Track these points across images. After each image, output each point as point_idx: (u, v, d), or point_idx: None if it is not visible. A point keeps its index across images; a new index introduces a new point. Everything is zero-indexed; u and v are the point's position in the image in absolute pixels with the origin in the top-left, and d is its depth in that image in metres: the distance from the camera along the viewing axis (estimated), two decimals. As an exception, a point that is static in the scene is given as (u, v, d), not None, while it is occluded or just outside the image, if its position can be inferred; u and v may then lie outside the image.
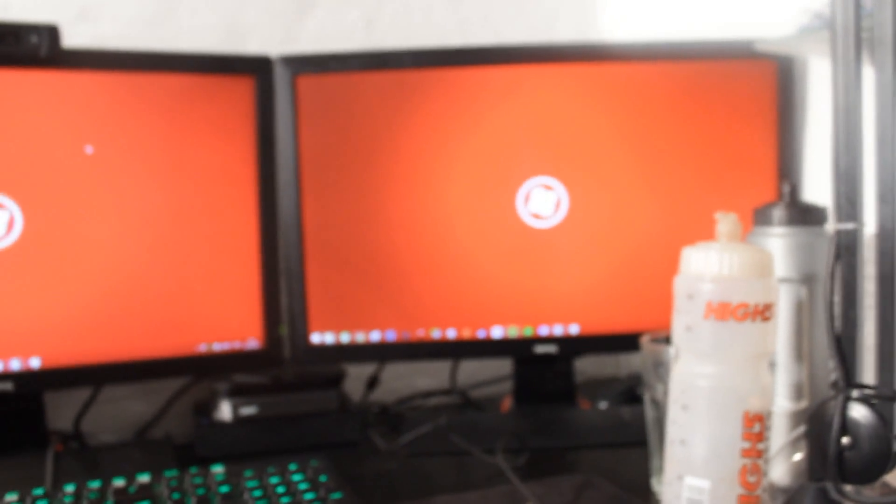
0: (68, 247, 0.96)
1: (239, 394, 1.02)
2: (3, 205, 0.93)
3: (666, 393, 0.72)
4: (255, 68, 1.03)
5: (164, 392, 1.13)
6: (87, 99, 0.96)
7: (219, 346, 1.02)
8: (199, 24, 1.15)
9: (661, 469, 0.74)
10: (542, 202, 1.06)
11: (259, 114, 1.03)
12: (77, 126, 0.95)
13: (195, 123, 1.00)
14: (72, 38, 1.02)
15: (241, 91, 1.02)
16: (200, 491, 0.80)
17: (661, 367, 0.82)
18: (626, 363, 1.34)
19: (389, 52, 1.05)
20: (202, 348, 1.02)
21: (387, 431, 1.07)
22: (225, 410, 1.01)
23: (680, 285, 0.68)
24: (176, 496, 0.79)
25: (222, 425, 1.01)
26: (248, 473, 0.85)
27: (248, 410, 1.01)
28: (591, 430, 1.05)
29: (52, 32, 0.92)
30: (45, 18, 0.93)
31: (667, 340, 0.79)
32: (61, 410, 1.07)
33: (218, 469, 0.86)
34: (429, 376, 1.27)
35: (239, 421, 1.01)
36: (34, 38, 0.92)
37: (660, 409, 0.82)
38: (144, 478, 0.83)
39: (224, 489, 0.81)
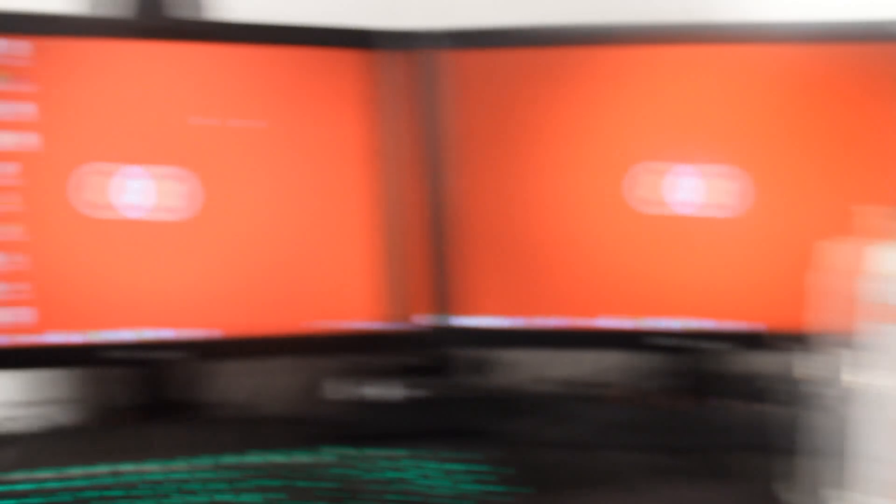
0: (230, 220, 0.97)
1: (387, 374, 1.02)
2: (182, 177, 0.95)
3: (847, 402, 0.68)
4: (396, 42, 1.01)
5: (284, 365, 1.12)
6: (234, 70, 0.96)
7: (368, 325, 1.02)
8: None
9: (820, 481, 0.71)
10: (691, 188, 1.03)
11: (407, 90, 1.01)
12: (249, 101, 0.97)
13: (336, 98, 1.00)
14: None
15: (375, 65, 1.00)
16: (358, 473, 0.81)
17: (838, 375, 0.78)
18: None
19: (545, 28, 1.01)
20: (351, 326, 1.02)
21: (537, 420, 1.04)
22: (375, 390, 1.02)
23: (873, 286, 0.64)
24: (334, 475, 0.80)
25: (372, 404, 1.01)
26: (403, 455, 0.85)
27: (398, 392, 1.01)
28: (743, 430, 1.00)
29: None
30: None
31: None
32: (212, 381, 1.09)
33: (381, 452, 0.86)
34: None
35: (389, 402, 1.01)
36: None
37: (834, 418, 0.78)
38: (280, 457, 0.84)
39: (389, 473, 0.81)
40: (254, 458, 0.82)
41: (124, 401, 1.03)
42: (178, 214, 0.95)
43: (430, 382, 1.02)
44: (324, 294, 1.01)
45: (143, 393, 1.01)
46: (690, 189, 1.02)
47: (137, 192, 0.94)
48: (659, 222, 1.02)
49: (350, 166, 1.00)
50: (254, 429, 0.96)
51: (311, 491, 0.78)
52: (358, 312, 1.02)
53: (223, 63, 0.96)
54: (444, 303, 1.04)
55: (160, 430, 0.94)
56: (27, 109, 0.91)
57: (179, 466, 0.80)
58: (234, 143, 0.96)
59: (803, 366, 0.79)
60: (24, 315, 0.93)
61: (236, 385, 1.12)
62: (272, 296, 0.99)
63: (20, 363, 0.96)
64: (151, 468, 0.80)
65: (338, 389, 1.07)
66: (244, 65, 0.96)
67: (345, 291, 1.02)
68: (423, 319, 1.04)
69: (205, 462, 0.81)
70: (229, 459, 0.82)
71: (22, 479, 0.77)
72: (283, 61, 0.97)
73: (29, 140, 0.92)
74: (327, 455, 0.84)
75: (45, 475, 0.78)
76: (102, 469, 0.79)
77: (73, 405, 1.11)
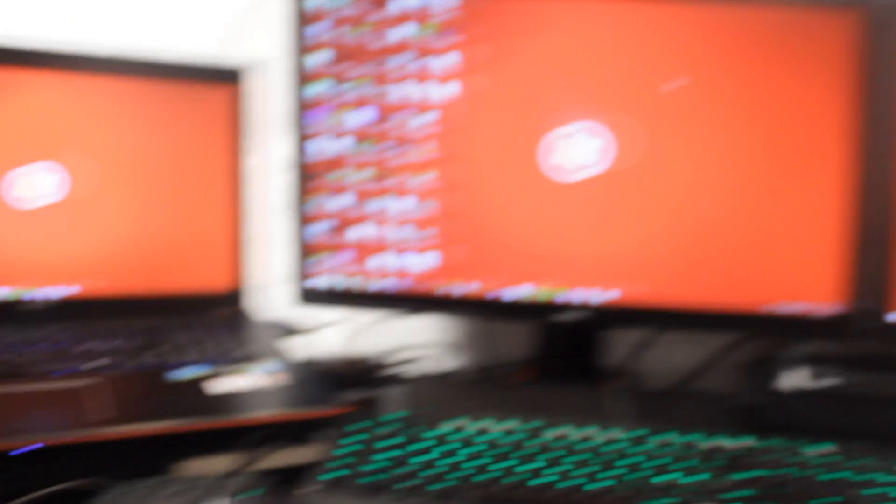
0: (650, 180, 0.90)
1: (816, 362, 0.92)
2: (598, 132, 0.91)
3: None
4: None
5: (712, 342, 1.07)
6: (688, 29, 0.88)
7: (786, 308, 0.92)
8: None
9: None
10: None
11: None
12: (676, 56, 0.89)
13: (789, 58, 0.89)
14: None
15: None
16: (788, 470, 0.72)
17: None
18: None
19: None
20: (774, 306, 0.92)
21: None
22: (796, 378, 0.92)
23: None
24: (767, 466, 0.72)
25: (792, 393, 0.92)
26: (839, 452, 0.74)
27: (827, 382, 0.91)
28: None
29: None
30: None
31: None
32: (613, 345, 1.05)
33: (819, 449, 0.76)
34: None
35: (811, 392, 0.90)
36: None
37: None
38: (723, 440, 0.76)
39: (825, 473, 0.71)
40: (673, 436, 0.77)
41: (539, 358, 1.03)
42: (599, 171, 0.91)
43: (867, 377, 0.90)
44: (777, 271, 0.91)
45: (564, 353, 0.99)
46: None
47: (566, 148, 0.92)
48: None
49: (822, 134, 0.90)
50: (676, 404, 0.92)
51: (743, 482, 0.71)
52: (817, 294, 0.92)
53: (650, 22, 0.90)
54: (877, 293, 0.91)
55: (577, 394, 0.92)
56: (454, 61, 0.92)
57: (600, 432, 0.77)
58: (672, 101, 0.90)
59: None
60: (435, 261, 0.95)
61: (660, 356, 1.09)
62: (709, 265, 0.92)
63: (424, 309, 0.98)
64: (568, 431, 0.77)
65: (782, 376, 0.99)
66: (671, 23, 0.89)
67: (801, 270, 0.92)
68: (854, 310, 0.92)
69: (621, 432, 0.77)
70: (641, 432, 0.77)
71: (439, 424, 0.78)
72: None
73: (451, 90, 0.92)
74: (757, 443, 0.76)
75: (461, 423, 0.78)
76: (514, 424, 0.78)
77: (472, 356, 1.14)
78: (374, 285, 0.96)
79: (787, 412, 0.90)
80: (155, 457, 0.72)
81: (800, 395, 0.90)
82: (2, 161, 0.88)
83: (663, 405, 0.90)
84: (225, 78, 0.96)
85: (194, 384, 0.78)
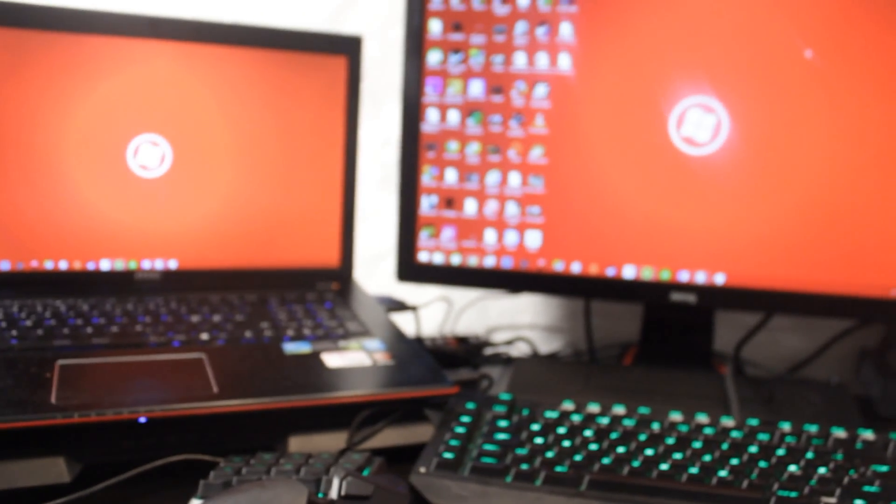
0: (769, 160, 0.87)
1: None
2: (712, 107, 0.87)
3: None
4: None
5: (823, 330, 1.03)
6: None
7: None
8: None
9: None
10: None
11: None
12: (799, 27, 0.85)
13: None
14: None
15: None
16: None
17: None
18: None
19: None
20: (889, 292, 0.89)
21: None
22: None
23: None
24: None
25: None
26: None
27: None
28: None
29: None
30: None
31: None
32: (721, 331, 1.02)
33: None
34: None
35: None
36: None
37: None
38: (839, 432, 0.73)
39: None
40: (785, 426, 0.74)
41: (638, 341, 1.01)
42: (715, 149, 0.87)
43: None
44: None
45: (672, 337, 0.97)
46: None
47: (679, 125, 0.88)
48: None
49: None
50: (782, 393, 0.88)
51: (863, 477, 0.68)
52: None
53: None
54: None
55: (680, 377, 0.90)
56: (566, 32, 0.89)
57: (704, 420, 0.74)
58: (795, 75, 0.86)
59: None
60: (535, 241, 0.93)
61: (764, 342, 1.06)
62: (827, 247, 0.87)
63: (526, 288, 0.96)
64: (675, 417, 0.75)
65: (849, 355, 0.95)
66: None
67: None
68: None
69: (731, 421, 0.74)
70: (752, 422, 0.74)
71: (538, 407, 0.76)
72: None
73: (563, 64, 0.90)
74: (876, 436, 0.73)
75: (567, 407, 0.76)
76: (621, 410, 0.76)
77: (575, 337, 1.13)
78: (476, 262, 0.95)
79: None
80: (266, 432, 0.73)
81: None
82: (124, 130, 0.90)
83: (774, 392, 0.87)
84: (339, 48, 0.95)
85: (303, 360, 0.78)
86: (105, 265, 0.90)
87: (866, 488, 0.66)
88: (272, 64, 0.93)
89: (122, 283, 0.90)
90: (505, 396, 0.77)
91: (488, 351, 1.03)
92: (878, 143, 0.85)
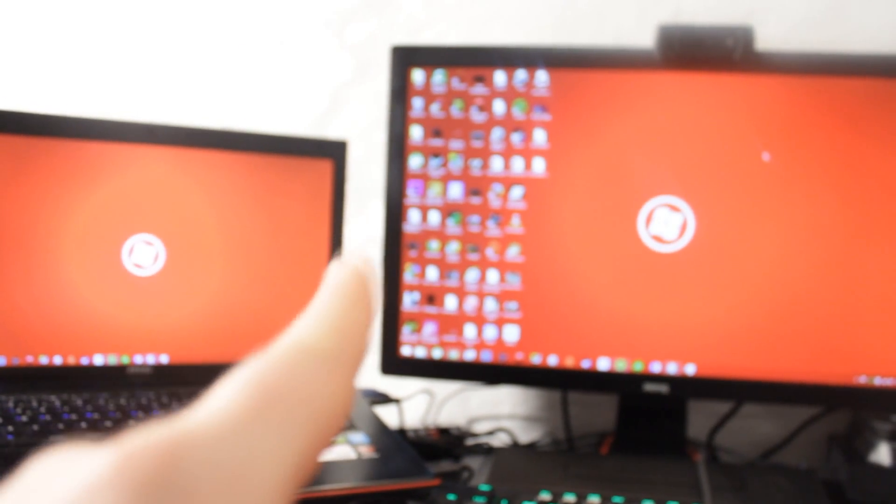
0: (734, 255, 0.92)
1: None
2: (678, 207, 0.93)
3: None
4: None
5: (793, 416, 1.06)
6: (771, 103, 0.91)
7: (880, 381, 0.92)
8: (874, 23, 1.06)
9: None
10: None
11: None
12: (757, 131, 0.91)
13: (876, 131, 0.91)
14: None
15: None
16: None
17: None
18: None
19: None
20: (861, 380, 0.92)
21: None
22: (884, 453, 0.91)
23: None
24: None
25: (880, 469, 0.91)
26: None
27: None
28: None
29: (747, 34, 0.90)
30: (714, 20, 0.91)
31: None
32: (694, 419, 1.05)
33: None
34: None
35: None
36: (730, 41, 0.90)
37: None
38: None
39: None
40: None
41: (610, 429, 1.04)
42: (681, 246, 0.93)
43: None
44: (862, 344, 0.91)
45: (635, 424, 1.00)
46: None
47: (647, 224, 0.93)
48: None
49: (888, 208, 0.90)
50: (754, 479, 0.90)
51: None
52: (878, 367, 0.91)
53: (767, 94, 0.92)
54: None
55: (658, 466, 0.92)
56: (540, 138, 0.95)
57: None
58: (753, 177, 0.91)
59: None
60: (513, 335, 0.97)
61: (736, 428, 1.09)
62: (792, 338, 0.92)
63: (506, 380, 1.00)
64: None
65: (869, 450, 0.98)
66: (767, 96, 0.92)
67: (888, 343, 0.91)
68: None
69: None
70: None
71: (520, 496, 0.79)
72: (830, 92, 0.91)
73: (538, 167, 0.95)
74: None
75: (544, 497, 0.79)
76: (597, 500, 0.79)
77: (552, 427, 1.15)
78: (457, 356, 0.98)
79: (875, 488, 0.90)
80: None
81: (887, 471, 0.90)
82: (119, 230, 0.93)
83: (746, 479, 0.90)
84: (326, 152, 1.00)
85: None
86: (98, 360, 0.93)
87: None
88: (262, 167, 0.98)
89: (115, 378, 0.93)
90: (484, 487, 0.80)
91: (469, 441, 1.05)
92: (832, 236, 0.90)
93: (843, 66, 0.90)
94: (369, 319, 0.31)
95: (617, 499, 0.78)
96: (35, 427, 0.80)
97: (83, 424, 0.82)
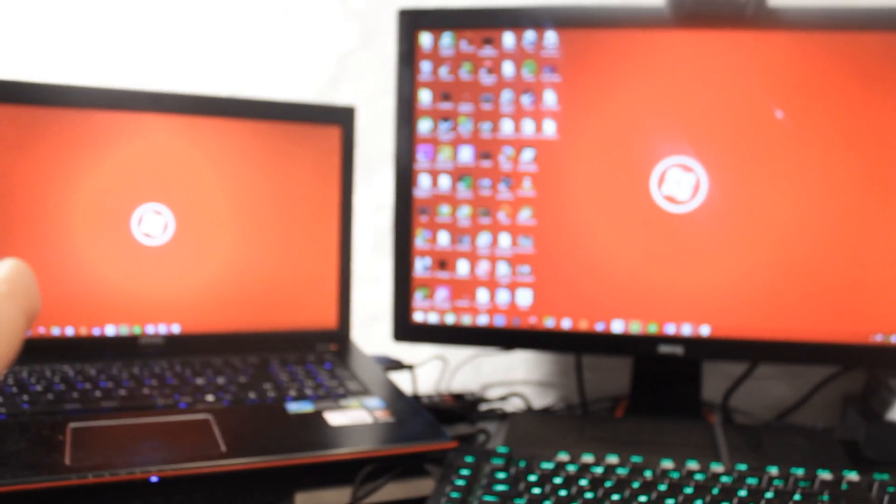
0: (748, 214, 0.91)
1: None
2: (691, 167, 0.92)
3: None
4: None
5: (808, 377, 1.06)
6: (783, 60, 0.90)
7: (888, 338, 0.92)
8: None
9: None
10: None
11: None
12: (770, 89, 0.90)
13: (891, 86, 0.89)
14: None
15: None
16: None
17: None
18: None
19: None
20: (877, 338, 0.92)
21: None
22: (900, 411, 0.91)
23: None
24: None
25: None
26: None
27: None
28: None
29: (759, -11, 0.89)
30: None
31: None
32: (709, 381, 1.05)
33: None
34: None
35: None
36: (742, -4, 0.89)
37: None
38: (825, 475, 0.76)
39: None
40: (773, 470, 0.77)
41: (626, 393, 1.03)
42: (695, 206, 0.92)
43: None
44: (877, 302, 0.91)
45: (652, 387, 1.00)
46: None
47: (660, 184, 0.92)
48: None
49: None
50: (771, 439, 0.90)
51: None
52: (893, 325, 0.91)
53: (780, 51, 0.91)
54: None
55: (673, 428, 0.92)
56: (550, 99, 0.94)
57: (695, 467, 0.77)
58: (767, 135, 0.90)
59: None
60: (526, 299, 0.96)
61: (751, 390, 1.09)
62: (808, 297, 0.91)
63: (519, 344, 0.99)
64: (666, 465, 0.77)
65: (836, 401, 0.98)
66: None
67: (883, 302, 0.90)
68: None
69: (721, 468, 0.76)
70: (741, 468, 0.77)
71: (534, 459, 0.79)
72: (846, 47, 0.89)
73: (548, 129, 0.94)
74: (861, 478, 0.75)
75: (562, 458, 0.79)
76: (615, 460, 0.78)
77: (566, 391, 1.15)
78: (470, 321, 0.98)
79: (892, 447, 0.89)
80: (273, 489, 0.75)
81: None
82: (128, 200, 0.93)
83: (762, 439, 0.90)
84: (334, 118, 0.99)
85: (306, 418, 0.81)
86: (110, 330, 0.93)
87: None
88: (269, 135, 0.97)
89: (127, 348, 0.93)
90: (502, 449, 0.80)
91: (483, 407, 1.05)
92: (847, 194, 0.89)
93: (856, 20, 0.88)
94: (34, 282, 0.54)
95: (636, 458, 0.78)
96: (50, 396, 0.80)
97: (97, 393, 0.82)
